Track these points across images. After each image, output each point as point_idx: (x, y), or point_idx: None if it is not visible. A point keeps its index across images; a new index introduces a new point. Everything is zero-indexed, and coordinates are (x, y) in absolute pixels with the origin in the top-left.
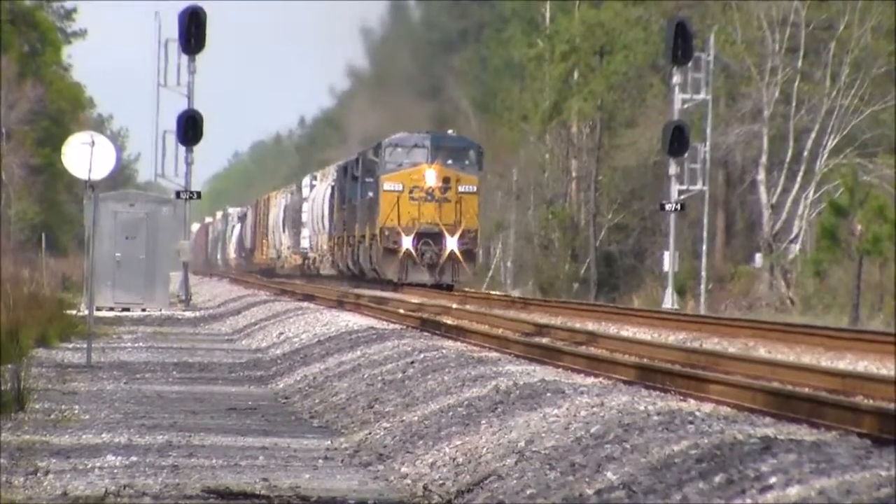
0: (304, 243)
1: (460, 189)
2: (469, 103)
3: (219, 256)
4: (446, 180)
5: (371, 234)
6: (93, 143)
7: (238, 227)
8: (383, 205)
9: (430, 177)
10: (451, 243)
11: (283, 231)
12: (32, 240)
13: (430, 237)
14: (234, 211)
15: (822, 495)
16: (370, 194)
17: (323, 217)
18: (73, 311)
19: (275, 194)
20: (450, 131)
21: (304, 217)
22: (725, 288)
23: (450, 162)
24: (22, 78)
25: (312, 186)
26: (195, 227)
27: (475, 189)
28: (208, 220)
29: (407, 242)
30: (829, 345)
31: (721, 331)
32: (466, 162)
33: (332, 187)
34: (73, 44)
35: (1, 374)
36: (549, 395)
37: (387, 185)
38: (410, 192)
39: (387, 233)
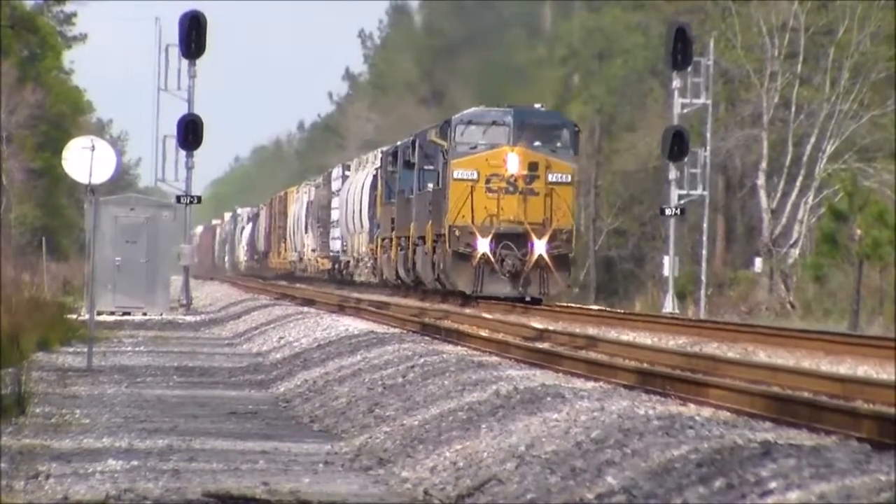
0: (334, 245)
1: (550, 178)
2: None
3: (227, 260)
4: (533, 167)
5: (434, 234)
6: (93, 147)
7: (249, 228)
8: (453, 197)
9: (513, 162)
10: (540, 247)
11: (306, 231)
12: (33, 244)
13: (512, 239)
14: (243, 211)
15: (821, 500)
16: (431, 185)
17: (360, 214)
18: (74, 316)
19: (293, 190)
20: (537, 105)
21: (334, 214)
22: (725, 293)
23: (537, 143)
24: (22, 82)
25: (345, 178)
26: (199, 229)
27: (569, 178)
28: (216, 221)
29: (483, 245)
30: (828, 349)
31: (721, 335)
32: (558, 144)
33: (375, 177)
34: (73, 48)
35: (2, 378)
36: (549, 399)
37: (457, 173)
38: (487, 181)
39: (457, 233)
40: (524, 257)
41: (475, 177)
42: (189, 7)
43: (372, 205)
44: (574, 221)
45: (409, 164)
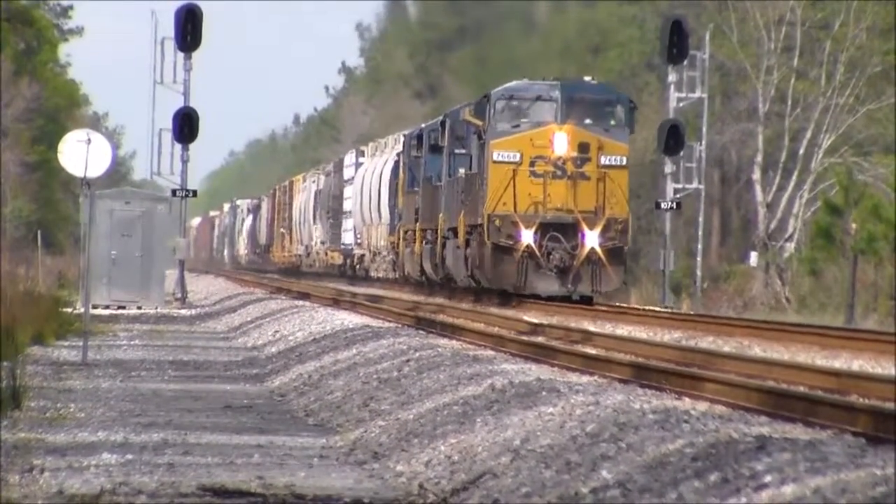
0: (347, 237)
1: (603, 161)
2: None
3: (226, 253)
4: (584, 148)
5: (468, 225)
6: (89, 140)
7: (250, 220)
8: (492, 182)
9: (561, 142)
10: (591, 239)
11: (315, 222)
12: (28, 237)
13: (560, 229)
14: (243, 203)
15: (816, 494)
16: (462, 170)
17: (378, 204)
18: (69, 309)
19: (299, 178)
20: (587, 78)
21: (348, 204)
22: (721, 287)
23: (588, 121)
24: (18, 76)
25: (359, 165)
26: (195, 220)
27: (624, 161)
28: (214, 213)
29: (527, 237)
30: (823, 344)
31: (716, 329)
32: (612, 122)
33: (396, 163)
34: (69, 41)
35: None
36: (544, 393)
37: (497, 155)
38: (531, 164)
39: (497, 223)
40: (574, 250)
41: (518, 159)
42: (185, 1)
43: (393, 193)
44: (630, 210)
45: (436, 148)
